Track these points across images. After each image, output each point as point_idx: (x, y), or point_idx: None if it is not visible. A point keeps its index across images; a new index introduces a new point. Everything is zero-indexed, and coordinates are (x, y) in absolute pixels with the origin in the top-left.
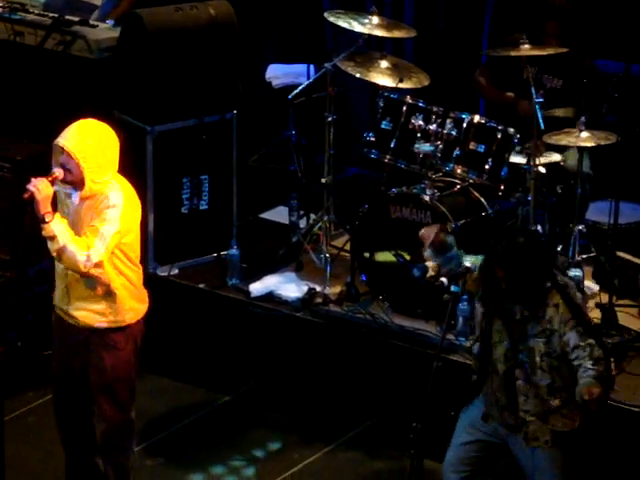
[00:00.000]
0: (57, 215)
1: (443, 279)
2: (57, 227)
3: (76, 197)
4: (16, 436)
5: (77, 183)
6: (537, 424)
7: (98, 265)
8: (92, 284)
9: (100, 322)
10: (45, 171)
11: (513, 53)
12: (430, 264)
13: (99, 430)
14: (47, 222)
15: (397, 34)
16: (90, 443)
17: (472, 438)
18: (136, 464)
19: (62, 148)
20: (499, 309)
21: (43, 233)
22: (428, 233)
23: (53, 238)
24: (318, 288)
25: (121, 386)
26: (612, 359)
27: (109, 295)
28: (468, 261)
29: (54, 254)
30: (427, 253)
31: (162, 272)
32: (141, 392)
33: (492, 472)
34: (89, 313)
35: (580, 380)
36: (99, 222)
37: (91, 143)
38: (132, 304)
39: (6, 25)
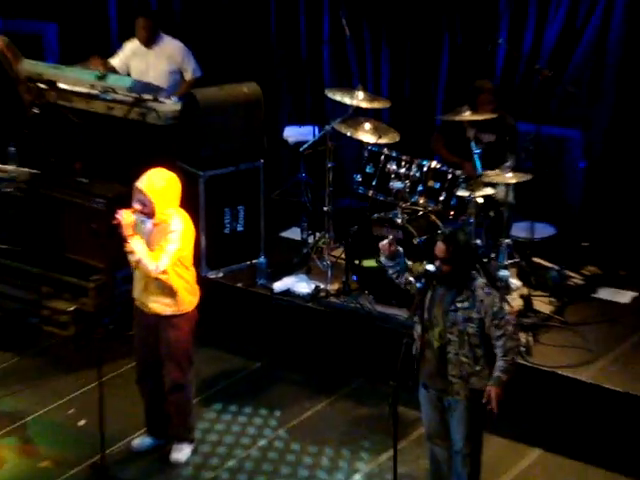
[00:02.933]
0: (137, 236)
1: (411, 278)
2: (136, 245)
3: (150, 224)
4: (109, 392)
5: (150, 214)
6: (460, 384)
7: (164, 272)
8: (161, 285)
9: (167, 311)
10: (128, 205)
11: (457, 118)
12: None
13: (167, 386)
14: (129, 242)
15: (376, 104)
16: (161, 395)
17: (428, 411)
18: (195, 412)
19: (139, 189)
20: (435, 294)
21: (126, 249)
22: (384, 246)
23: (132, 252)
24: (322, 286)
25: (182, 355)
26: (531, 333)
27: (173, 292)
28: (430, 265)
29: (133, 264)
30: (382, 259)
31: (211, 275)
32: (197, 360)
33: None
34: (160, 305)
35: (493, 373)
36: (165, 242)
37: (160, 185)
38: (189, 298)
39: (102, 103)
